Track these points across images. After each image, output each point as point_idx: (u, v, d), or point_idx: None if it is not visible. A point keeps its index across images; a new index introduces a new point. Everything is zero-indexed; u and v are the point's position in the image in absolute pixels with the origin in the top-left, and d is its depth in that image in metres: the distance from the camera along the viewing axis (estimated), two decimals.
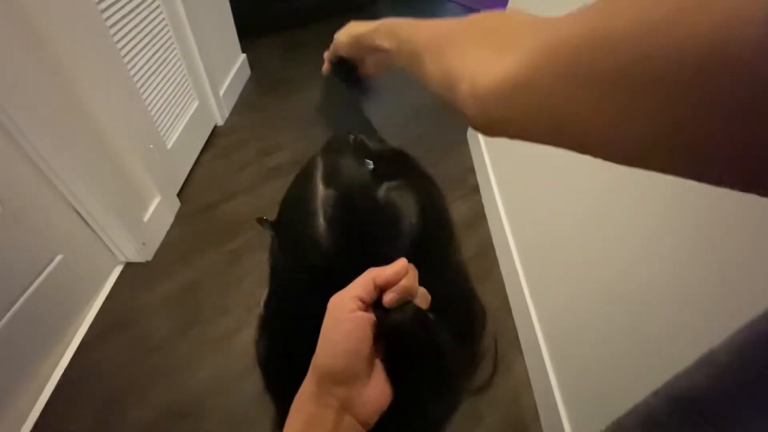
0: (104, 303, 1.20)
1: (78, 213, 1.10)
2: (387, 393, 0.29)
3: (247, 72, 2.29)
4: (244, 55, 2.23)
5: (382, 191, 0.34)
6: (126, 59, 1.18)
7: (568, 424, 0.90)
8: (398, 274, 0.28)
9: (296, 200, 0.38)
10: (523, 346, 1.14)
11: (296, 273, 0.36)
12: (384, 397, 0.29)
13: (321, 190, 0.35)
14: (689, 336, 0.59)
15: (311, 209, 0.34)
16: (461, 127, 1.86)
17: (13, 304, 0.93)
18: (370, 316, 0.28)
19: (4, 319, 0.91)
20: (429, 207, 0.36)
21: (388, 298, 0.28)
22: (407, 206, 0.35)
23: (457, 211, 1.53)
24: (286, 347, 0.38)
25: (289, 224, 0.38)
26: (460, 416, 1.16)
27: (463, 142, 1.85)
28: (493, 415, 1.01)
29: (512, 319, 1.20)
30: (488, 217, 1.49)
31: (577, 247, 0.90)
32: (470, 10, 3.12)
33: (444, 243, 0.38)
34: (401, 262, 0.29)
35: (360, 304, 0.28)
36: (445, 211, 0.39)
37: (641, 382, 0.68)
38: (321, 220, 0.33)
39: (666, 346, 0.63)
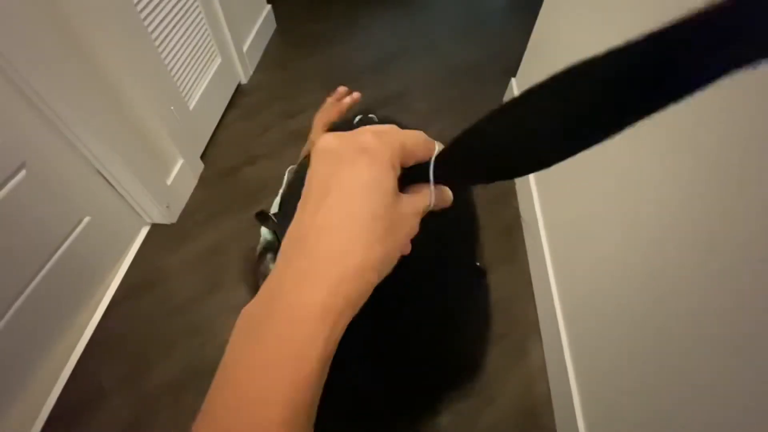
0: (132, 263, 1.25)
1: (103, 176, 1.12)
2: None
3: (273, 25, 2.19)
4: (270, 6, 2.12)
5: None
6: (143, 15, 1.13)
7: (581, 413, 0.89)
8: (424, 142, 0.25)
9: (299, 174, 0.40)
10: (542, 333, 1.10)
11: None
12: None
13: None
14: (716, 327, 0.55)
15: None
16: (499, 89, 1.72)
17: (44, 264, 0.97)
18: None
19: (37, 279, 0.95)
20: None
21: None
22: None
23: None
24: None
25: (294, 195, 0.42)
26: (470, 398, 1.14)
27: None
28: (505, 398, 1.01)
29: (534, 304, 1.16)
30: (518, 192, 1.41)
31: (606, 231, 0.84)
32: None
33: None
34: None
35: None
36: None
37: (662, 377, 0.65)
38: None
39: (691, 338, 0.59)
